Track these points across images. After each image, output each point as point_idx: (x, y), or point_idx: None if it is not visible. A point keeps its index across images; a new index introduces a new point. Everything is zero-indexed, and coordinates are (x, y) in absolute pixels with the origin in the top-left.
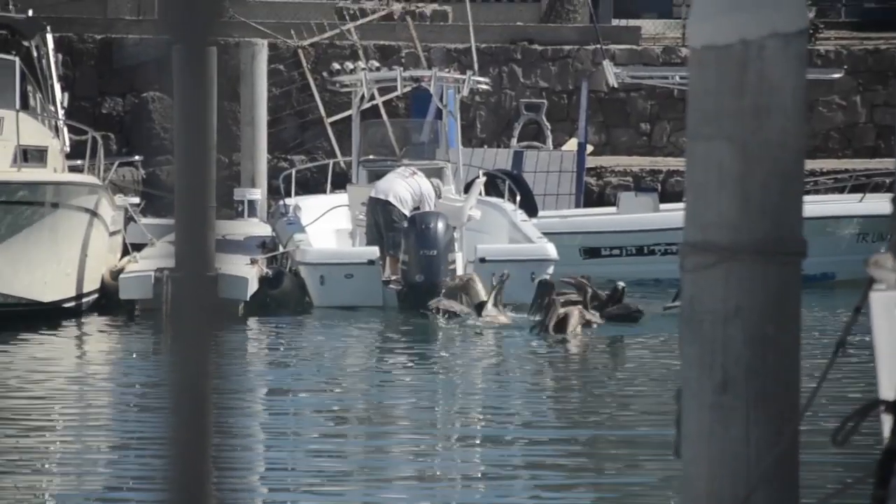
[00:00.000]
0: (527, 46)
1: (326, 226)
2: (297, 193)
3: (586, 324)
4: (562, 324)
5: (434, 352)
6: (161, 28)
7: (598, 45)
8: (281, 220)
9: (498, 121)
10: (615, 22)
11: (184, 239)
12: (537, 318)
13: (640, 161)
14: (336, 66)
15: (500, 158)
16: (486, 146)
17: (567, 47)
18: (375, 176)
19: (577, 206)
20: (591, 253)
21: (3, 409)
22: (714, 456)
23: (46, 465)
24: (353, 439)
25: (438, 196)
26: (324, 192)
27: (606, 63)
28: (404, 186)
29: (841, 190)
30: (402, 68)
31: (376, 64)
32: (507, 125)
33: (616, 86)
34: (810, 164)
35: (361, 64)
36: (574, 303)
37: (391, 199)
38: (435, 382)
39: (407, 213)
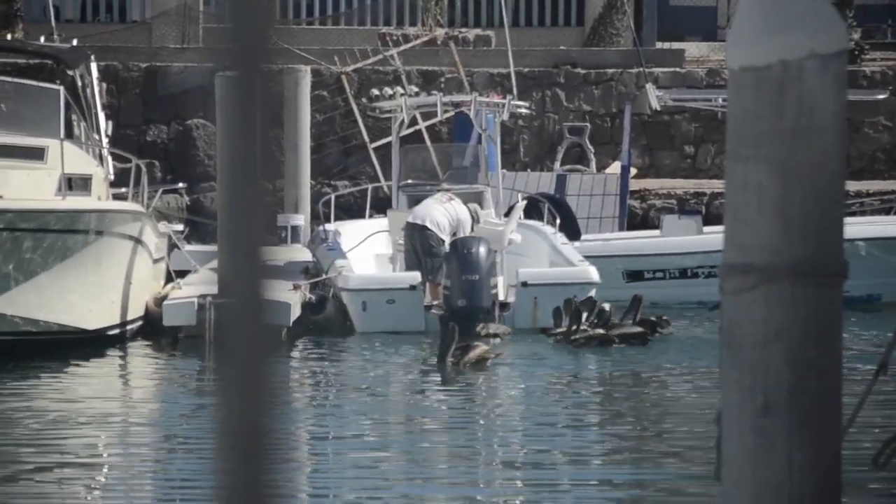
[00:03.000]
0: (570, 70)
1: (366, 251)
2: (340, 218)
3: (485, 358)
4: (462, 356)
5: (478, 379)
6: (210, 56)
7: (642, 69)
8: (321, 246)
9: (541, 144)
10: (659, 45)
11: (233, 264)
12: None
13: (683, 184)
14: (375, 91)
15: (543, 182)
16: (529, 170)
17: (610, 70)
18: (415, 201)
19: (621, 229)
20: (634, 276)
21: (47, 439)
22: (756, 479)
23: (90, 499)
24: (394, 472)
25: (476, 221)
26: (365, 217)
27: (649, 86)
28: (441, 212)
29: (887, 211)
30: (441, 93)
31: (415, 89)
32: (551, 149)
33: (659, 109)
34: (856, 186)
35: (400, 90)
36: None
37: (428, 225)
38: (477, 411)
39: (445, 238)
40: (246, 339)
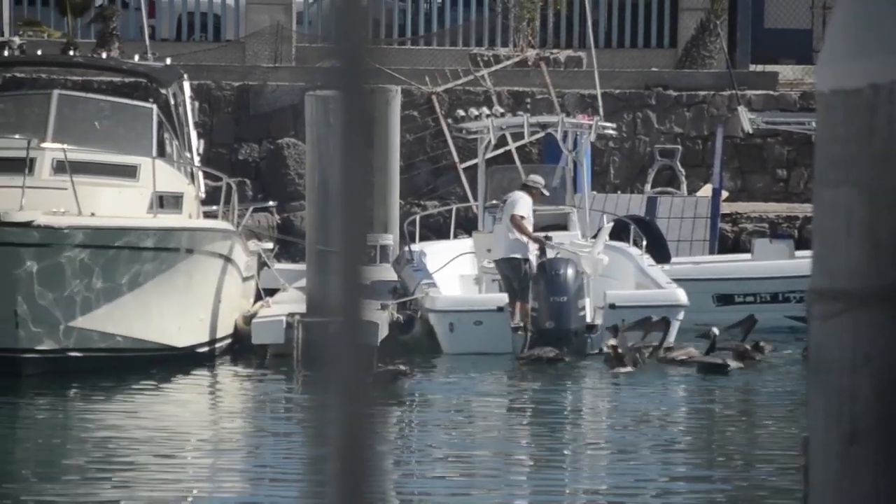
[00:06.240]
0: (662, 92)
1: (451, 272)
2: (428, 238)
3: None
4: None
5: (564, 399)
6: (303, 75)
7: (734, 91)
8: (407, 267)
9: (632, 167)
10: (752, 67)
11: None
12: None
13: (776, 207)
14: (461, 112)
15: (633, 204)
16: (619, 192)
17: (702, 93)
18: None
19: (712, 252)
20: (725, 300)
21: (134, 457)
22: None
23: None
24: (478, 492)
25: (537, 191)
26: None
27: (741, 109)
28: (507, 235)
29: None
30: (528, 114)
31: (501, 110)
32: (641, 171)
33: (751, 132)
34: None
35: (486, 110)
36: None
37: (509, 255)
38: (563, 432)
39: (531, 257)
40: (345, 358)
